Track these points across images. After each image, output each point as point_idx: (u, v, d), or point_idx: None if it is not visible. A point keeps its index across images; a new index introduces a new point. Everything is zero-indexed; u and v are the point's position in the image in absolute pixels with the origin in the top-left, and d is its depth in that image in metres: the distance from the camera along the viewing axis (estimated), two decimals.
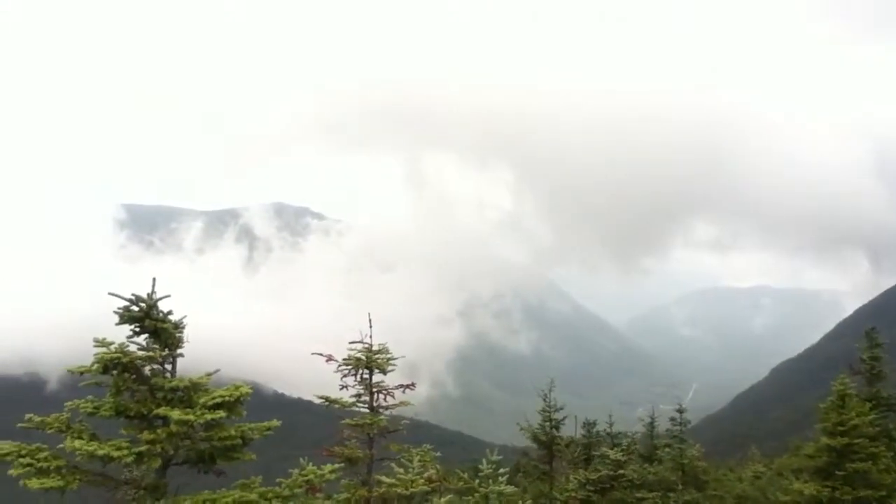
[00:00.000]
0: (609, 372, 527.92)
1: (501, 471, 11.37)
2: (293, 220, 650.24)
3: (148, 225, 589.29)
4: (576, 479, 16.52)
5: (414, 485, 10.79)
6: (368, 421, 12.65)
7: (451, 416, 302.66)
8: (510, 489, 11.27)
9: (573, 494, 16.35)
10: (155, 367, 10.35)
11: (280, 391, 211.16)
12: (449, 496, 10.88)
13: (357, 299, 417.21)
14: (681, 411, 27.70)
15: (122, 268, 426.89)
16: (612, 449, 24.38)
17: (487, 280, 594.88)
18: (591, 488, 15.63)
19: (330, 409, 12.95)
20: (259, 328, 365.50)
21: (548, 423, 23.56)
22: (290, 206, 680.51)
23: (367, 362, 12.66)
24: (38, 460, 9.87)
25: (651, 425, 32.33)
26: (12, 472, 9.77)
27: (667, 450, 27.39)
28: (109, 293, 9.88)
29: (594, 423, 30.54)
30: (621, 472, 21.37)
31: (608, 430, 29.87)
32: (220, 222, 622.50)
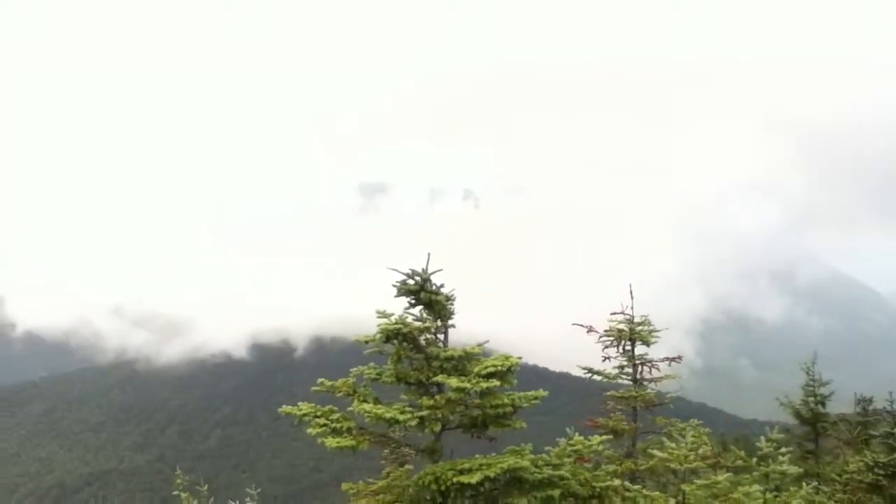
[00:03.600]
0: (874, 346, 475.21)
1: (783, 450, 10.60)
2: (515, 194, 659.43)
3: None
4: (861, 460, 15.05)
5: (687, 461, 10.44)
6: (634, 394, 12.43)
7: (692, 387, 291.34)
8: (794, 469, 10.50)
9: (855, 477, 14.90)
10: (429, 337, 10.92)
11: (542, 365, 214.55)
12: (727, 474, 10.35)
13: (593, 270, 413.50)
14: None
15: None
16: None
17: (728, 242, 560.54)
18: (881, 472, 14.12)
19: (592, 381, 12.90)
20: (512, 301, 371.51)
21: (811, 399, 21.79)
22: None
23: (630, 334, 12.40)
24: (332, 421, 10.87)
25: None
26: (310, 430, 10.85)
27: None
28: (389, 268, 10.55)
29: (870, 400, 27.56)
30: None
31: (888, 407, 26.78)
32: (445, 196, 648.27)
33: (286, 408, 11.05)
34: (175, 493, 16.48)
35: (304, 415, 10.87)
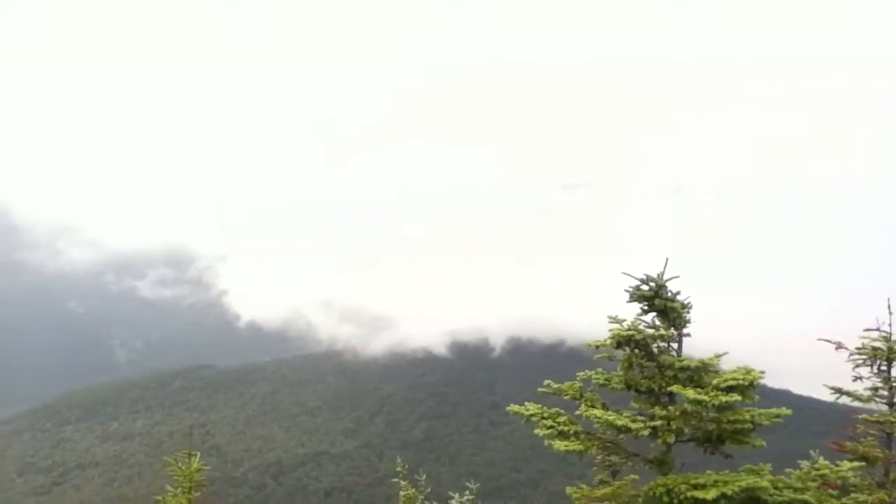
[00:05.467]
0: None
1: None
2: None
3: None
4: None
5: None
6: (890, 418, 11.29)
7: None
8: None
9: None
10: (662, 345, 10.62)
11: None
12: None
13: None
14: None
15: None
16: None
17: None
18: None
19: (839, 403, 11.89)
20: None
21: None
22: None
23: (888, 353, 11.28)
24: (559, 424, 10.89)
25: None
26: (538, 431, 10.94)
27: None
28: (623, 272, 10.41)
29: None
30: None
31: None
32: None
33: (514, 407, 11.21)
34: (394, 480, 17.40)
35: (532, 415, 10.97)
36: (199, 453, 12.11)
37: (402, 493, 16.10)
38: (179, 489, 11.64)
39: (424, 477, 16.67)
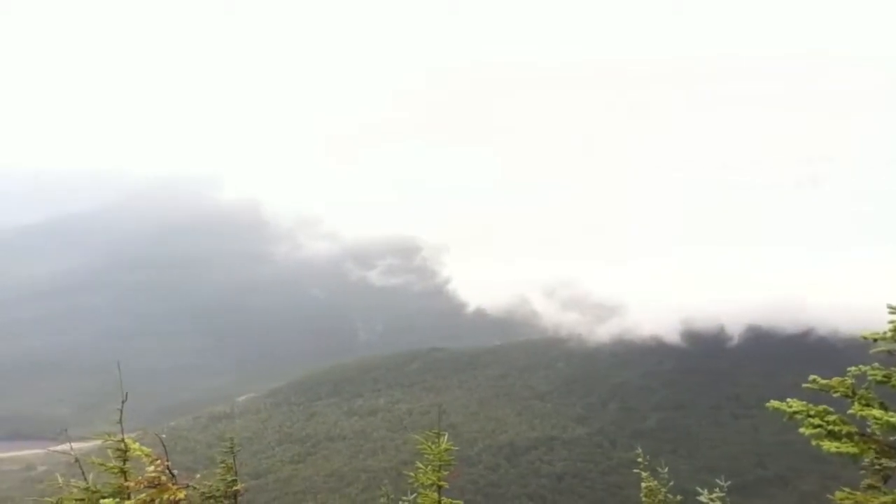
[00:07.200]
0: None
1: None
2: None
3: None
4: None
5: None
6: None
7: None
8: None
9: None
10: None
11: None
12: None
13: None
14: None
15: None
16: None
17: None
18: None
19: None
20: None
21: None
22: None
23: None
24: (827, 423, 9.94)
25: None
26: (803, 430, 10.07)
27: None
28: None
29: None
30: None
31: None
32: None
33: (775, 403, 10.42)
34: (634, 470, 16.95)
35: (795, 412, 10.14)
36: (446, 434, 12.64)
37: (643, 484, 15.70)
38: (429, 467, 12.19)
39: (666, 469, 16.11)
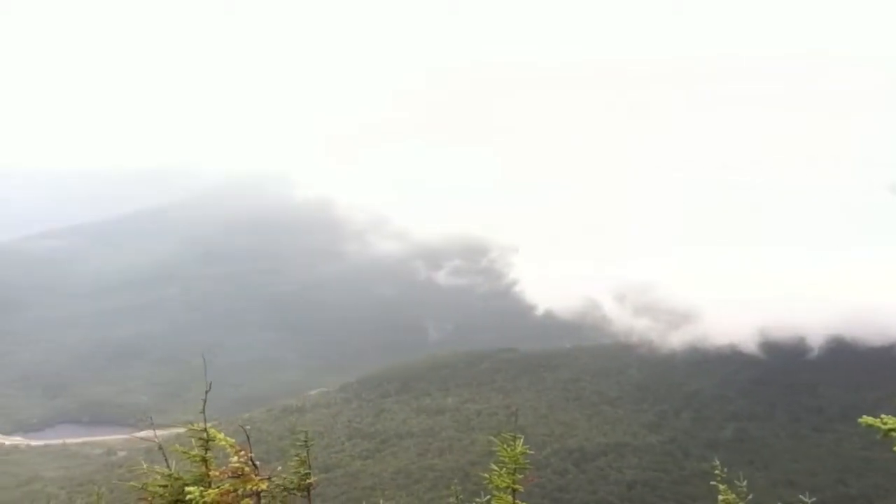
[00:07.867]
0: None
1: None
2: None
3: None
4: None
5: None
6: None
7: None
8: None
9: None
10: None
11: None
12: None
13: None
14: None
15: None
16: None
17: None
18: None
19: None
20: None
21: None
22: None
23: None
24: None
25: None
26: None
27: None
28: None
29: None
30: None
31: None
32: None
33: (867, 419, 9.92)
34: (710, 483, 16.40)
35: (891, 430, 9.62)
36: (522, 437, 12.48)
37: (720, 497, 15.18)
38: (504, 469, 12.09)
39: (745, 482, 15.54)
